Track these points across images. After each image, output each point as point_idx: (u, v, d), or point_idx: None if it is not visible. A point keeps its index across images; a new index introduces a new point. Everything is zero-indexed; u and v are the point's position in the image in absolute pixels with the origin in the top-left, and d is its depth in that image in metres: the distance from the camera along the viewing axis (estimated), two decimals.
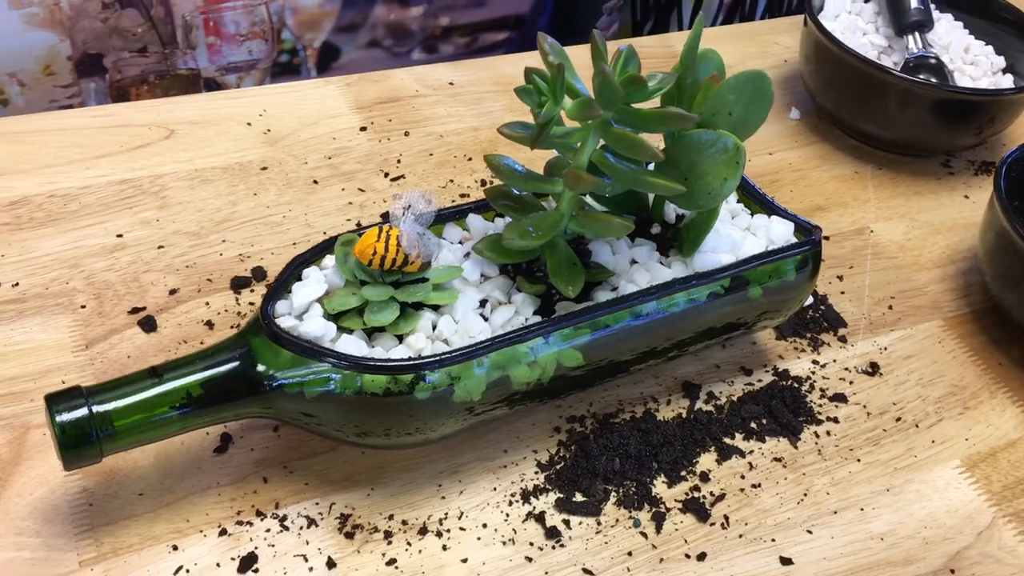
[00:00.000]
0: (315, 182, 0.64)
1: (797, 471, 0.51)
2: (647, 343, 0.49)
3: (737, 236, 0.51)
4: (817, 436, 0.53)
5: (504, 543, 0.46)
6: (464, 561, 0.45)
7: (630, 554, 0.46)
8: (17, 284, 0.54)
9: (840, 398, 0.55)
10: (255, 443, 0.48)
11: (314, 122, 0.68)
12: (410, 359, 0.42)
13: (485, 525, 0.47)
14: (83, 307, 0.53)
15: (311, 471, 0.48)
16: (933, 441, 0.53)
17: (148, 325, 0.53)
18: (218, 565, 0.43)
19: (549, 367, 0.45)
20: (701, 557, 0.46)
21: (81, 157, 0.63)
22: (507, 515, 0.47)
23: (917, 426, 0.54)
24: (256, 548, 0.44)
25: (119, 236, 0.58)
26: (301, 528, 0.45)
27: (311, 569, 0.44)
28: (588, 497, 0.48)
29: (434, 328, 0.45)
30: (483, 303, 0.47)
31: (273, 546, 0.44)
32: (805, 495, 0.50)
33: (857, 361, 0.57)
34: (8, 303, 0.53)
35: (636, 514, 0.48)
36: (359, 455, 0.49)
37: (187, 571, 0.43)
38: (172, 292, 0.55)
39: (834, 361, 0.57)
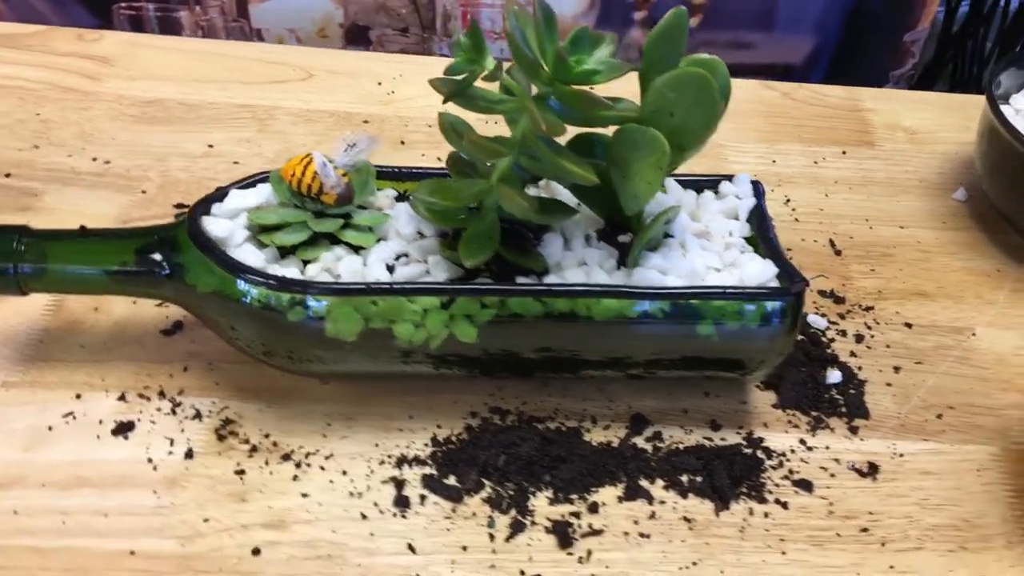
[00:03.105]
0: (402, 143, 0.66)
1: (701, 538, 0.45)
2: (572, 348, 0.46)
3: (699, 264, 0.46)
4: (750, 513, 0.46)
5: (351, 494, 0.45)
6: (304, 496, 0.45)
7: (464, 548, 0.44)
8: (109, 162, 0.62)
9: (805, 485, 0.47)
10: (199, 337, 0.52)
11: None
12: (276, 277, 0.43)
13: (345, 472, 0.46)
14: (143, 192, 0.60)
15: (227, 374, 0.50)
16: (892, 567, 0.44)
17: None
18: (100, 422, 0.47)
19: (438, 334, 0.44)
20: None
21: (227, 79, 0.71)
22: (371, 472, 0.46)
23: (883, 544, 0.45)
24: (139, 420, 0.48)
25: (210, 147, 0.64)
26: (186, 418, 0.48)
27: (170, 453, 0.46)
28: (460, 484, 0.46)
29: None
30: (400, 257, 0.46)
31: (154, 423, 0.48)
32: (693, 564, 0.44)
33: (855, 457, 0.49)
34: (92, 174, 0.61)
35: (496, 515, 0.45)
36: (279, 376, 0.50)
37: (74, 417, 0.47)
38: None
39: (826, 448, 0.49)
